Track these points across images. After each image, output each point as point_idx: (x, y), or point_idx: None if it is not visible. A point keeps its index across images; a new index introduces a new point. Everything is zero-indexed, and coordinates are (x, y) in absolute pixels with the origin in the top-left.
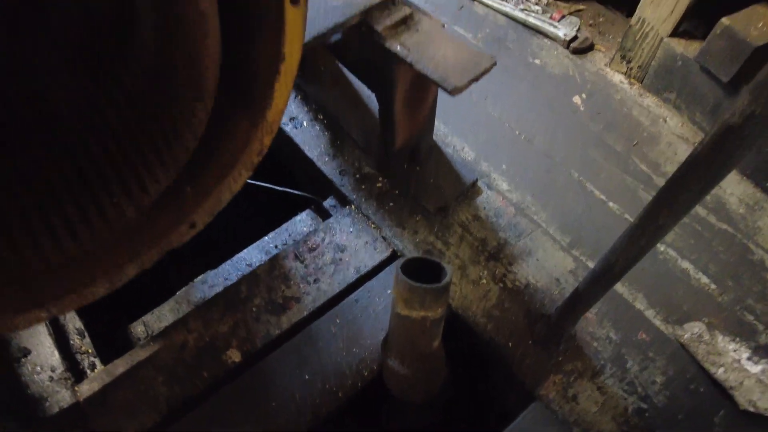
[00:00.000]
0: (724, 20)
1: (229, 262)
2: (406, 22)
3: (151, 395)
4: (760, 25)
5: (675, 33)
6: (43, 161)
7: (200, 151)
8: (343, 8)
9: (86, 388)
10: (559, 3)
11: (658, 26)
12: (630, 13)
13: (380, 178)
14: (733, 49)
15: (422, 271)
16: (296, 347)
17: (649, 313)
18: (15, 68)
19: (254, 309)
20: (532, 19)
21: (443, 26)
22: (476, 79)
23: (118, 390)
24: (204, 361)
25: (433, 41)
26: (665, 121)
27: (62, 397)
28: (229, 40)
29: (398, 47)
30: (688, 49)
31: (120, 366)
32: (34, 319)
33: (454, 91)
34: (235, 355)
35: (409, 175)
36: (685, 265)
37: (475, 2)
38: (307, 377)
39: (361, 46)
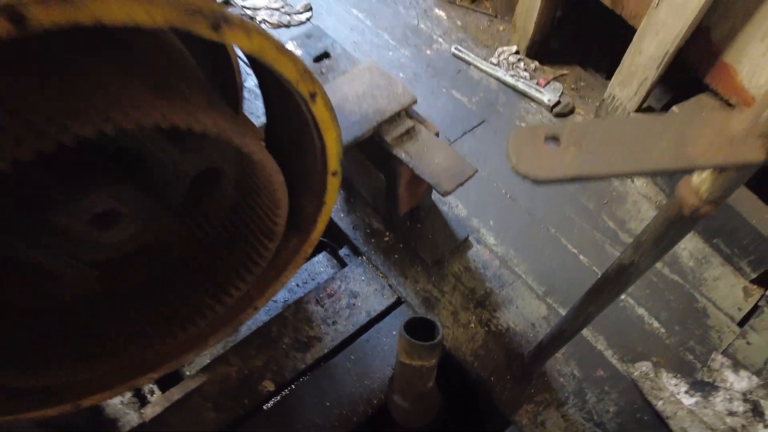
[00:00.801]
0: (674, 108)
1: None
2: (409, 133)
3: (201, 419)
4: (703, 114)
5: (639, 109)
6: (160, 279)
7: None
8: (361, 123)
9: (150, 411)
10: (545, 68)
11: (625, 102)
12: (608, 75)
13: (387, 233)
14: None
15: (421, 328)
16: (318, 379)
17: (608, 353)
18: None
19: (284, 346)
20: (520, 85)
21: (437, 134)
22: (462, 184)
23: (175, 413)
24: (243, 391)
25: (429, 149)
26: (632, 181)
27: (131, 419)
28: (290, 194)
29: (403, 154)
30: None
31: (176, 393)
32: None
33: (444, 194)
34: (269, 386)
35: (410, 232)
36: (641, 311)
37: (471, 67)
38: (327, 404)
39: (372, 147)
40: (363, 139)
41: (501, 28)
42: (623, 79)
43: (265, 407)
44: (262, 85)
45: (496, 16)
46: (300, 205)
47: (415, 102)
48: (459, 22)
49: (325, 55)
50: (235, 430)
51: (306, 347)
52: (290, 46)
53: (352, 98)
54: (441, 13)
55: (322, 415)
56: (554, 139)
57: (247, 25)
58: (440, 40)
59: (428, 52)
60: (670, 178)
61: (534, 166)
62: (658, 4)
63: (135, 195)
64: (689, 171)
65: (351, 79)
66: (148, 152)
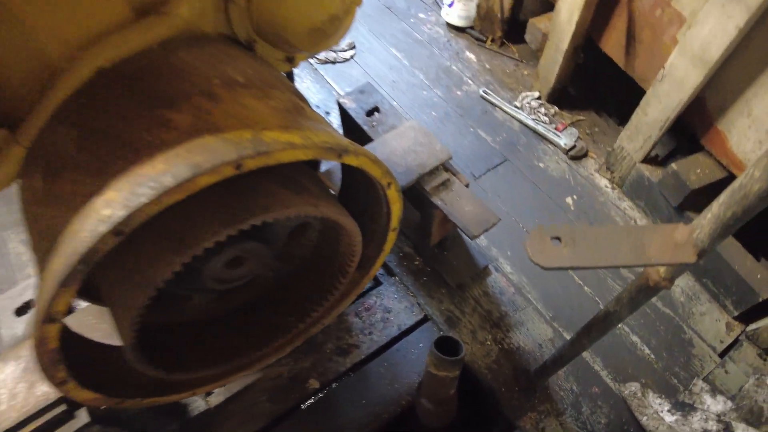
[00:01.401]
0: (673, 165)
1: None
2: (444, 183)
3: (257, 408)
4: (698, 171)
5: (645, 159)
6: (256, 302)
7: None
8: (405, 174)
9: (214, 400)
10: (563, 113)
11: (632, 153)
12: (621, 121)
13: (417, 258)
14: (678, 187)
15: (447, 345)
16: (355, 381)
17: (603, 373)
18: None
19: (327, 351)
20: (540, 128)
21: (467, 185)
22: (487, 230)
23: (235, 403)
24: (293, 387)
25: (461, 198)
26: (635, 222)
27: (199, 405)
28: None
29: (438, 201)
30: (653, 174)
31: (236, 386)
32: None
33: (472, 238)
34: (314, 384)
35: (437, 258)
36: (635, 338)
37: (496, 108)
38: (363, 402)
39: (411, 191)
40: (407, 187)
41: (525, 72)
42: (631, 134)
43: (310, 402)
44: (344, 169)
45: (521, 61)
46: (364, 250)
47: (450, 157)
48: (487, 65)
49: (376, 110)
50: (283, 421)
51: (346, 353)
52: (346, 100)
53: (399, 152)
54: (471, 56)
55: (358, 412)
56: (557, 239)
57: (358, 150)
58: (470, 81)
59: (458, 92)
60: (668, 221)
61: (542, 257)
62: (662, 79)
63: (254, 246)
64: (647, 266)
65: (398, 135)
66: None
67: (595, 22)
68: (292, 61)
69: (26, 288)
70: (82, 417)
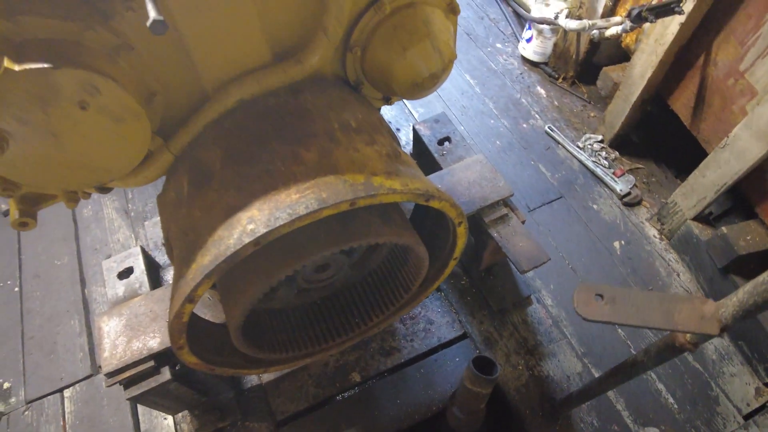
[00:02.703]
0: (724, 229)
1: None
2: (503, 218)
3: (304, 390)
4: (748, 237)
5: (696, 218)
6: (331, 300)
7: None
8: (468, 204)
9: (266, 377)
10: (623, 159)
11: (685, 210)
12: (678, 173)
13: (464, 278)
14: (725, 250)
15: (484, 364)
16: (394, 381)
17: (624, 413)
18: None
19: (371, 350)
20: (599, 171)
21: (524, 222)
22: (536, 267)
23: (285, 382)
24: (338, 376)
25: (516, 233)
26: (678, 275)
27: (252, 379)
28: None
29: (495, 234)
30: (703, 233)
31: (287, 367)
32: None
33: (522, 273)
34: (356, 377)
35: (483, 281)
36: (660, 386)
37: (559, 146)
38: (397, 401)
39: (471, 220)
40: (467, 217)
41: (591, 114)
42: (686, 192)
43: (351, 392)
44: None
45: (589, 102)
46: (427, 272)
47: (511, 195)
48: (556, 102)
49: (447, 139)
50: (326, 405)
51: (388, 354)
52: (421, 126)
53: (465, 183)
54: (541, 91)
55: (393, 409)
56: (600, 296)
57: (441, 196)
58: (537, 116)
59: (524, 125)
60: (710, 281)
61: (586, 309)
62: (725, 146)
63: (339, 256)
64: (675, 331)
65: (465, 167)
66: None
67: (667, 80)
68: (388, 101)
69: (129, 255)
70: (165, 374)
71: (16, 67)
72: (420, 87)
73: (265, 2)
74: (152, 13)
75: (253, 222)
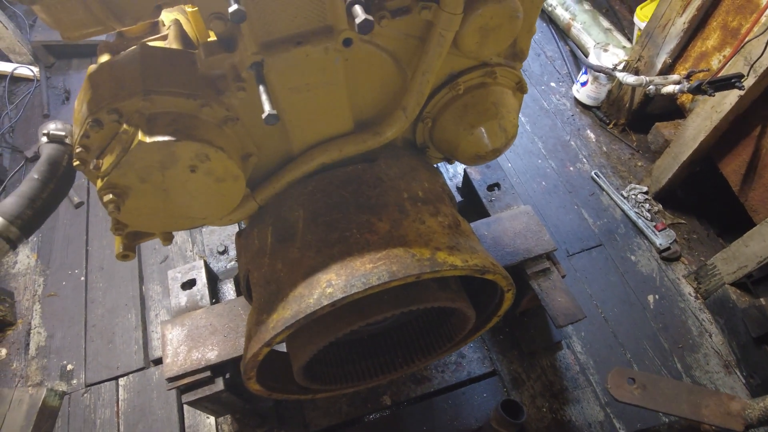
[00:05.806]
0: (762, 300)
1: None
2: (544, 271)
3: (337, 407)
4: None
5: (735, 284)
6: (385, 338)
7: None
8: (512, 255)
9: None
10: (666, 213)
11: (724, 275)
12: (720, 232)
13: None
14: (761, 321)
15: (511, 407)
16: (422, 409)
17: None
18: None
19: (404, 376)
20: (640, 223)
21: (564, 277)
22: (572, 323)
23: (320, 398)
24: (370, 398)
25: (555, 288)
26: (711, 336)
27: None
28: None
29: (536, 286)
30: (740, 299)
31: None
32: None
33: (558, 327)
34: (387, 400)
35: (517, 323)
36: None
37: (604, 192)
38: (424, 429)
39: (513, 269)
40: (510, 266)
41: (639, 164)
42: (727, 258)
43: (380, 414)
44: None
45: (638, 152)
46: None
47: (555, 249)
48: (604, 148)
49: (497, 185)
50: (356, 424)
51: (419, 382)
52: (472, 170)
53: (510, 234)
54: (591, 135)
55: None
56: (632, 380)
57: (496, 270)
58: (584, 160)
59: (571, 168)
60: (743, 348)
61: (618, 391)
62: None
63: None
64: (700, 423)
65: (512, 217)
66: None
67: (719, 145)
68: (449, 161)
69: (192, 268)
70: (219, 384)
71: (147, 140)
72: (482, 159)
73: (355, 86)
74: (267, 107)
75: (331, 286)
